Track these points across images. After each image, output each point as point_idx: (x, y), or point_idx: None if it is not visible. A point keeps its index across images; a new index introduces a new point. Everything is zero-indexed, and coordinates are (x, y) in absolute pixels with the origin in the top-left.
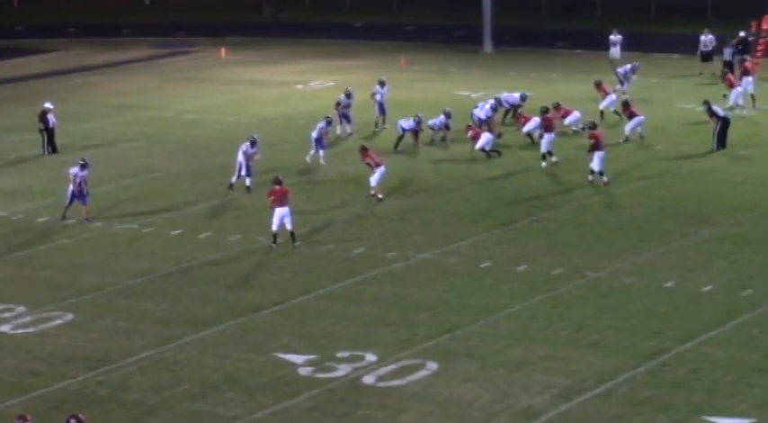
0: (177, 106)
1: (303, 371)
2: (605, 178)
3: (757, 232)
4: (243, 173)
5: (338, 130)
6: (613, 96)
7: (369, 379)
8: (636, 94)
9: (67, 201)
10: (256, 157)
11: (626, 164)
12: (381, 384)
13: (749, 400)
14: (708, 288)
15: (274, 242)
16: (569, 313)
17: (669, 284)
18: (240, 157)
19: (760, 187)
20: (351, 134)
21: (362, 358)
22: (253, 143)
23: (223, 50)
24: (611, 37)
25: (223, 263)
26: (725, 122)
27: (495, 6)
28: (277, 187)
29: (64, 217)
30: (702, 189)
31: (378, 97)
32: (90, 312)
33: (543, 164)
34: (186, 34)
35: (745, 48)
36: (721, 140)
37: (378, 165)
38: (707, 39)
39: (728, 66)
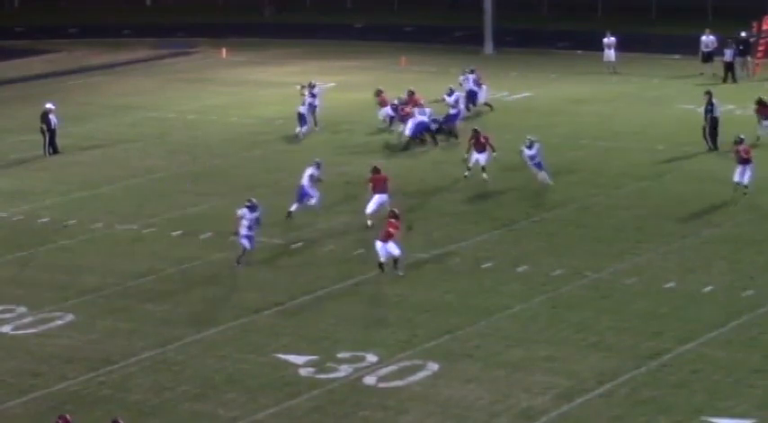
0: (178, 107)
1: (304, 371)
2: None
3: (757, 233)
4: (303, 199)
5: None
6: (391, 106)
7: (369, 380)
8: (638, 94)
9: (245, 246)
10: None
11: (626, 164)
12: (382, 385)
13: (750, 400)
14: (708, 289)
15: (369, 222)
16: (570, 314)
17: (669, 285)
18: (306, 181)
19: (759, 188)
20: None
21: (363, 359)
22: (318, 166)
23: (224, 51)
24: (605, 39)
25: (224, 264)
26: (714, 122)
27: (496, 7)
28: (376, 175)
29: (239, 262)
30: (702, 190)
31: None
32: (91, 313)
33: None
34: (187, 35)
35: (746, 48)
36: (713, 140)
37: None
38: (708, 39)
39: (729, 67)
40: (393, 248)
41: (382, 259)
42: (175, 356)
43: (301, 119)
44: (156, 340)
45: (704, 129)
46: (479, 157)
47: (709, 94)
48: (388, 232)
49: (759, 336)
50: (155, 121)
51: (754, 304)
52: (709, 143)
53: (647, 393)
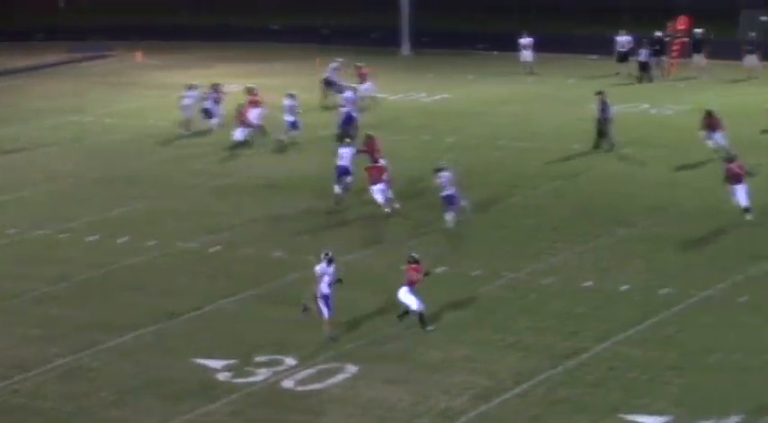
0: (96, 111)
1: (222, 376)
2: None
3: (672, 232)
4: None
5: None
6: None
7: (288, 383)
8: (554, 94)
9: (324, 313)
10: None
11: (543, 165)
12: (301, 388)
13: (666, 398)
14: (624, 288)
15: (388, 210)
16: (488, 314)
17: (586, 284)
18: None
19: (673, 187)
20: (211, 129)
21: (281, 362)
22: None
23: (139, 54)
24: (522, 40)
25: (140, 268)
26: (605, 122)
27: (413, 8)
28: (373, 164)
29: (305, 308)
30: (618, 189)
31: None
32: (4, 320)
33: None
34: (102, 38)
35: (661, 48)
36: (602, 138)
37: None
38: (623, 39)
39: (644, 66)
40: (412, 301)
41: (416, 307)
42: (91, 362)
43: (207, 113)
44: (70, 346)
45: (598, 128)
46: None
47: (600, 93)
48: (411, 279)
49: (675, 334)
50: (74, 124)
51: (669, 302)
52: (600, 141)
53: (564, 392)
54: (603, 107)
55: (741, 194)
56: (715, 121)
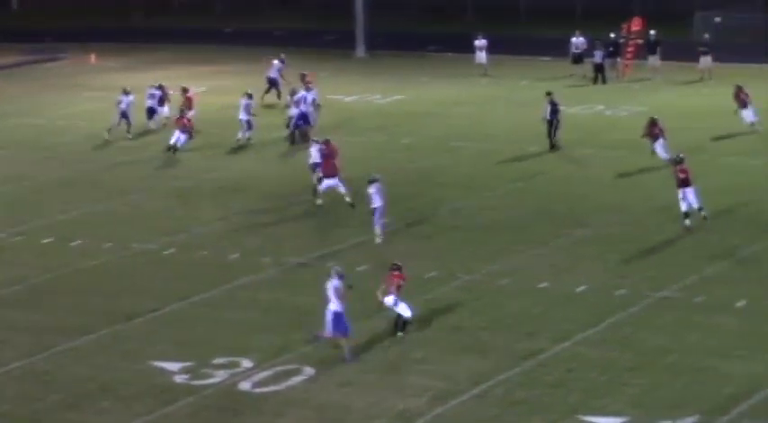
0: (48, 113)
1: (179, 378)
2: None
3: (627, 233)
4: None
5: (149, 124)
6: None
7: (245, 385)
8: (508, 96)
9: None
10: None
11: (497, 166)
12: (258, 390)
13: (623, 398)
14: (581, 289)
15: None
16: (444, 316)
17: (543, 285)
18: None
19: (628, 188)
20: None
21: (239, 364)
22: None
23: (93, 57)
24: (476, 41)
25: (95, 271)
26: (555, 122)
27: (367, 10)
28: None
29: (345, 357)
30: (573, 191)
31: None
32: None
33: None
34: (55, 40)
35: (615, 50)
36: (552, 138)
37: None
38: (578, 41)
39: (599, 68)
40: (404, 309)
41: (409, 314)
42: (45, 366)
43: (151, 112)
44: (24, 349)
45: (549, 129)
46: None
47: (549, 95)
48: (398, 284)
49: (632, 334)
50: (25, 127)
51: (626, 303)
52: (552, 141)
53: (522, 393)
54: (553, 108)
55: (691, 196)
56: (658, 128)
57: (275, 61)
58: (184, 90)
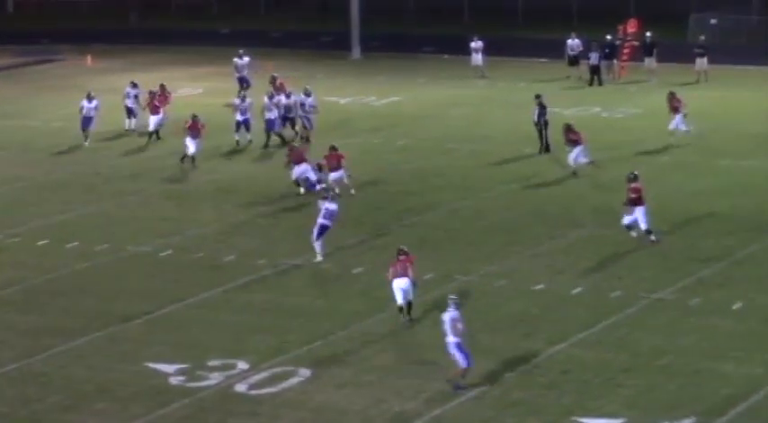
0: (44, 115)
1: (174, 380)
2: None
3: (623, 234)
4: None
5: (127, 125)
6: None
7: (241, 387)
8: (505, 98)
9: (462, 364)
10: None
11: (494, 168)
12: (254, 392)
13: (619, 400)
14: (577, 290)
15: (296, 185)
16: (440, 318)
17: (539, 287)
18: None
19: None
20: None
21: (234, 366)
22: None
23: (89, 58)
24: (473, 43)
25: (91, 272)
26: (544, 124)
27: (363, 12)
28: (333, 152)
29: (458, 387)
30: (569, 192)
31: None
32: None
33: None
34: (52, 42)
35: (611, 52)
36: (543, 141)
37: None
38: (574, 43)
39: (595, 70)
40: (410, 293)
41: (401, 302)
42: (42, 367)
43: (129, 112)
44: (22, 351)
45: (540, 131)
46: (333, 175)
47: (539, 97)
48: (406, 267)
49: (627, 336)
50: (20, 129)
51: (621, 305)
52: (543, 144)
53: (518, 395)
54: (541, 111)
55: (640, 216)
56: (576, 134)
57: (236, 60)
58: (162, 87)
